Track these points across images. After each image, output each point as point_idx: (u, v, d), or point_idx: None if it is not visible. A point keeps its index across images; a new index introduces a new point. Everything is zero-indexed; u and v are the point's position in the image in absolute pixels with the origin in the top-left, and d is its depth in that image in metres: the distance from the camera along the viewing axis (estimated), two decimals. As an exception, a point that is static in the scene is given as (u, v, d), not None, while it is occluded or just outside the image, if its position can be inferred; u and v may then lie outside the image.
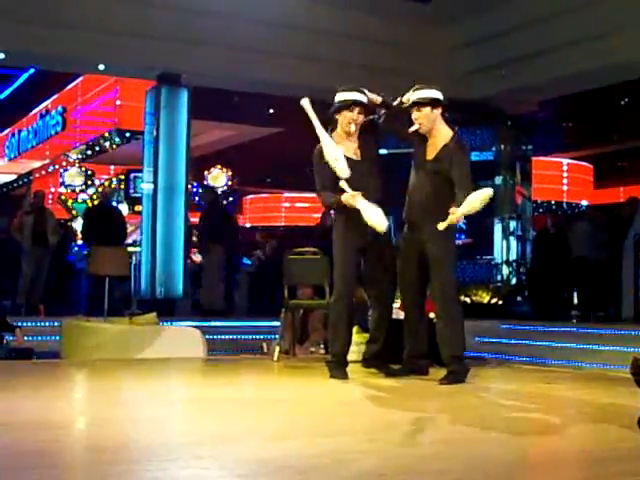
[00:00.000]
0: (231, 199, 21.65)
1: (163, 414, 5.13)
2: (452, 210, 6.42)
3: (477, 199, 6.47)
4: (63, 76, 20.27)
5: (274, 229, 24.85)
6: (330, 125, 6.89)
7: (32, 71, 21.25)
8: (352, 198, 6.56)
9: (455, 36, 15.45)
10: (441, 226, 6.42)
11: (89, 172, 21.36)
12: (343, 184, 6.60)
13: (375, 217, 6.46)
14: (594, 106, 19.29)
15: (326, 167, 6.74)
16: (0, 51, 13.67)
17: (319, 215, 15.44)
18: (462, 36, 15.40)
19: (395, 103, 6.94)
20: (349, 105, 6.76)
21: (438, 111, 6.77)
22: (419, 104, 6.73)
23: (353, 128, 6.78)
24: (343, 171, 6.57)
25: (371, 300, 7.26)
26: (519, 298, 16.74)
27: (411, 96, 6.82)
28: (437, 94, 6.80)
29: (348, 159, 6.72)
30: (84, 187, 21.07)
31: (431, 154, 6.76)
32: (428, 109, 6.73)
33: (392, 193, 6.82)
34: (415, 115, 6.75)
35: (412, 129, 6.77)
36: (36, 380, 6.78)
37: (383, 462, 3.64)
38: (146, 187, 14.95)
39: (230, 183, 20.64)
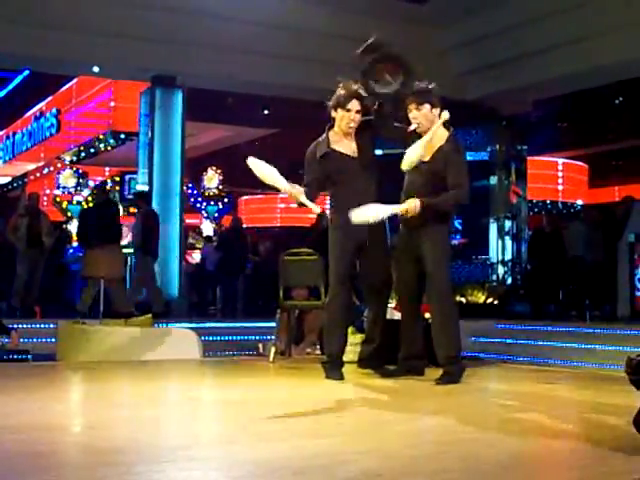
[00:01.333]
0: (226, 200, 21.71)
1: (159, 416, 5.12)
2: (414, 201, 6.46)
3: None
4: (57, 78, 20.28)
5: (265, 230, 24.92)
6: (328, 123, 6.90)
7: (26, 73, 21.26)
8: (292, 192, 6.60)
9: (450, 37, 15.47)
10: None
11: (81, 173, 21.32)
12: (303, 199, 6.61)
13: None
14: (589, 106, 19.33)
15: (316, 167, 6.75)
16: (-6, 53, 13.68)
17: (314, 216, 15.44)
18: (457, 37, 15.42)
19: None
20: (346, 105, 6.74)
21: (437, 111, 6.76)
22: (418, 103, 6.72)
23: (353, 125, 6.78)
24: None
25: (366, 301, 7.26)
26: (514, 298, 16.76)
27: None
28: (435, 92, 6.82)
29: (346, 157, 6.73)
30: (77, 189, 21.06)
31: (426, 155, 6.74)
32: (427, 108, 6.73)
33: (387, 194, 6.81)
34: (414, 114, 6.74)
35: (410, 128, 6.76)
36: (32, 382, 6.77)
37: (379, 462, 3.64)
38: (141, 189, 14.94)
39: (219, 188, 20.69)
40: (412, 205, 6.49)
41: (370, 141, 6.93)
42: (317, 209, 6.66)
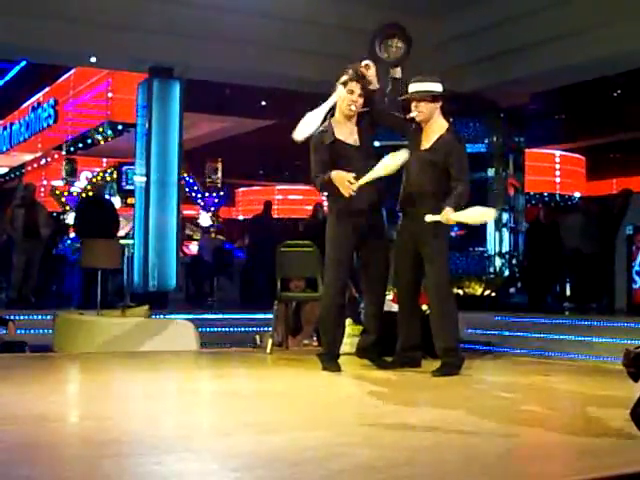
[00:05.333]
0: (222, 193, 21.71)
1: (156, 407, 5.12)
2: (447, 210, 6.44)
3: (477, 216, 6.67)
4: (55, 69, 20.23)
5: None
6: (329, 111, 6.90)
7: (24, 64, 21.21)
8: (340, 178, 6.55)
9: (447, 28, 15.43)
10: (429, 218, 6.45)
11: (72, 164, 21.26)
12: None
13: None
14: (587, 98, 19.29)
15: (324, 155, 6.73)
16: (-9, 44, 13.63)
17: (311, 207, 15.46)
18: (454, 28, 15.38)
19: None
20: (348, 86, 6.75)
21: (438, 103, 6.80)
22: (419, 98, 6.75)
23: (354, 108, 6.77)
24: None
25: (364, 292, 7.26)
26: (512, 290, 16.75)
27: (411, 87, 6.82)
28: (438, 87, 6.82)
29: (348, 146, 6.74)
30: (68, 179, 21.03)
31: (426, 144, 6.77)
32: (428, 99, 6.75)
33: (385, 185, 6.81)
34: (415, 104, 6.76)
35: (410, 115, 6.79)
36: (29, 374, 6.77)
37: (376, 454, 3.64)
38: (138, 180, 14.93)
39: (208, 179, 20.72)
40: (449, 217, 6.50)
41: (370, 131, 6.93)
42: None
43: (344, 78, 6.77)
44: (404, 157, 6.55)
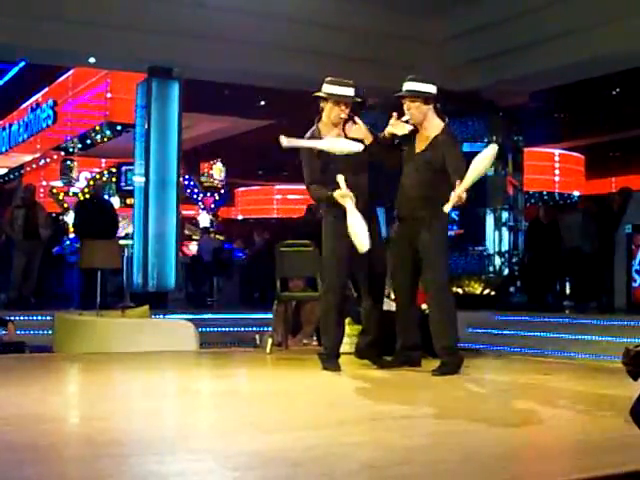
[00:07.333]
0: (221, 192, 21.74)
1: (156, 407, 5.12)
2: (456, 186, 6.32)
3: (480, 161, 6.38)
4: (54, 69, 20.22)
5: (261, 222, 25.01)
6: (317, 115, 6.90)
7: (22, 64, 21.20)
8: (343, 198, 6.53)
9: (447, 28, 15.45)
10: (446, 207, 6.35)
11: (70, 164, 21.26)
12: (340, 179, 6.56)
13: (360, 232, 6.41)
14: (585, 97, 19.30)
15: (315, 159, 6.73)
16: (-10, 44, 13.64)
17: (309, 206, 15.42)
18: (454, 28, 15.40)
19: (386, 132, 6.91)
20: (337, 101, 6.76)
21: (431, 105, 6.78)
22: (412, 96, 6.73)
23: (343, 116, 6.79)
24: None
25: (363, 291, 7.26)
26: (512, 289, 16.76)
27: (405, 85, 6.82)
28: (431, 88, 6.80)
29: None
30: (69, 180, 21.04)
31: (421, 146, 6.75)
32: (420, 101, 6.74)
33: (381, 187, 6.81)
34: (407, 106, 6.76)
35: (403, 119, 6.78)
36: (29, 374, 6.77)
37: (376, 453, 3.64)
38: (138, 180, 14.93)
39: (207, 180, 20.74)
40: (463, 195, 6.39)
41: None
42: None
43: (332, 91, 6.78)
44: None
